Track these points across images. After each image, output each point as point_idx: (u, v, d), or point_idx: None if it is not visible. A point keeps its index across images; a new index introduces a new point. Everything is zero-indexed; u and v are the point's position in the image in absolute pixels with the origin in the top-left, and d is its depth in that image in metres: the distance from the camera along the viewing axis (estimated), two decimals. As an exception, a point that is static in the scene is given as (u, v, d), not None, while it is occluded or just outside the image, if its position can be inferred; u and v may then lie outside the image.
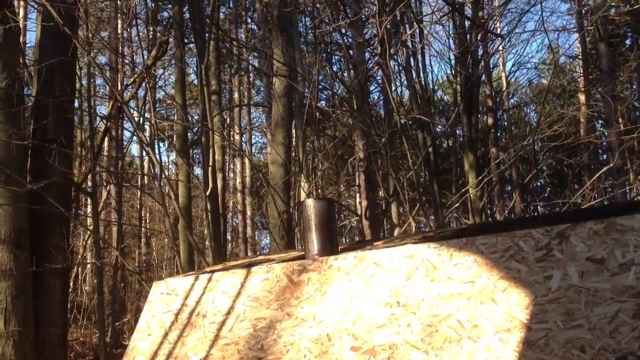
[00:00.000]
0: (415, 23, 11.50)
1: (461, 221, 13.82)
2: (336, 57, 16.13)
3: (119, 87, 14.11)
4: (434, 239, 3.50)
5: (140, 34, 16.75)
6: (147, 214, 24.27)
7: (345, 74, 14.23)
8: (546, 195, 24.94)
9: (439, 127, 14.93)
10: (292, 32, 10.40)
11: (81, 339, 15.62)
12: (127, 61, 17.47)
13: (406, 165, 12.30)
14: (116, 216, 17.50)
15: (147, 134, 17.07)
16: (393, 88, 10.55)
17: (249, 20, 19.26)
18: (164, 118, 21.48)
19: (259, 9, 13.37)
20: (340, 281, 3.36)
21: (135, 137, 17.27)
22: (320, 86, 13.31)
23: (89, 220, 14.76)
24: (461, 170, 15.15)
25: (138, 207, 22.27)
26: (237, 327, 3.50)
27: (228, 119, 21.33)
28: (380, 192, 13.90)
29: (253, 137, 25.17)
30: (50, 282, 7.59)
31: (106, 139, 15.54)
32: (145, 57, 12.32)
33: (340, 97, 13.82)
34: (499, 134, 19.72)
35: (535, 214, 18.09)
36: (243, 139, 22.80)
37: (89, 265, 17.92)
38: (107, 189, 17.77)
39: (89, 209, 18.54)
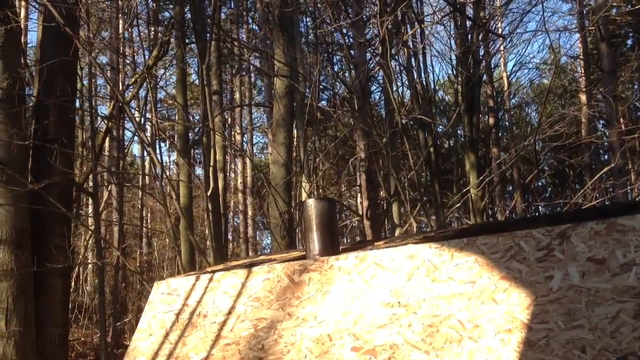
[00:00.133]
0: (416, 23, 11.50)
1: (462, 221, 13.83)
2: (337, 57, 16.15)
3: (120, 87, 14.13)
4: (435, 239, 3.50)
5: (142, 34, 16.80)
6: (149, 214, 24.30)
7: (347, 74, 14.23)
8: (547, 195, 24.93)
9: (440, 127, 14.93)
10: (293, 32, 10.40)
11: (82, 339, 15.63)
12: (128, 61, 17.50)
13: (407, 165, 12.30)
14: (117, 216, 17.52)
15: (148, 134, 17.09)
16: (394, 88, 10.55)
17: (250, 21, 19.29)
18: (165, 118, 21.49)
19: (259, 9, 13.36)
20: (341, 281, 3.36)
21: (136, 137, 17.30)
22: (321, 86, 13.32)
23: (90, 220, 14.77)
24: (462, 171, 15.15)
25: (139, 207, 22.30)
26: (238, 327, 3.50)
27: (229, 119, 21.35)
28: (382, 192, 13.90)
29: (254, 137, 25.21)
30: (51, 282, 7.60)
31: (107, 139, 15.56)
32: (147, 57, 12.33)
33: (342, 97, 13.82)
34: (500, 134, 19.71)
35: (536, 214, 18.09)
36: (244, 139, 22.83)
37: (90, 265, 17.94)
38: (109, 189, 17.78)
39: (90, 209, 18.56)
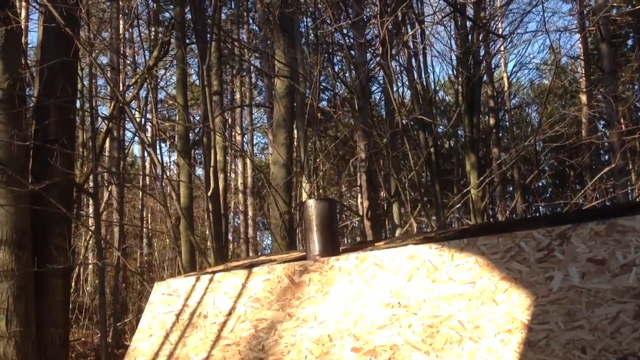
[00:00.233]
0: (416, 24, 11.50)
1: (463, 222, 13.82)
2: (338, 57, 16.15)
3: (121, 88, 14.12)
4: (435, 240, 3.50)
5: (142, 34, 16.80)
6: (149, 215, 24.31)
7: (347, 75, 14.23)
8: (548, 195, 24.93)
9: (441, 127, 14.92)
10: (293, 33, 10.41)
11: (83, 339, 15.63)
12: (128, 62, 17.50)
13: (408, 165, 12.30)
14: (118, 217, 17.52)
15: (148, 134, 17.09)
16: (394, 88, 10.55)
17: (251, 21, 19.29)
18: (165, 119, 21.48)
19: (260, 9, 13.37)
20: (342, 282, 3.36)
21: (136, 138, 17.31)
22: (321, 87, 13.31)
23: (91, 221, 14.77)
24: (463, 171, 15.15)
25: (140, 207, 22.31)
26: (238, 327, 3.50)
27: (229, 120, 21.35)
28: (382, 193, 13.90)
29: (254, 137, 25.22)
30: (51, 282, 7.60)
31: (108, 140, 15.56)
32: (147, 57, 12.33)
33: (342, 98, 13.83)
34: (500, 135, 19.71)
35: (537, 215, 18.09)
36: (244, 139, 22.83)
37: (90, 266, 17.94)
38: (109, 189, 17.78)
39: (90, 210, 18.55)
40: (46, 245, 7.56)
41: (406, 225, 10.98)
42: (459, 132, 16.18)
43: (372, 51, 12.00)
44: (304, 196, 9.99)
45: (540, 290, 2.77)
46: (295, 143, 11.42)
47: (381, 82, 14.86)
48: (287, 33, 10.12)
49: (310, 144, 11.13)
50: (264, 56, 15.10)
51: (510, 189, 23.50)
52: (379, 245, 4.01)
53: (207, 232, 11.00)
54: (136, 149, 28.70)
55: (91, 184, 10.80)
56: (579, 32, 16.08)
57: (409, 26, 12.21)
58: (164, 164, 19.55)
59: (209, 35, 10.00)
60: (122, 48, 17.44)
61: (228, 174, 20.29)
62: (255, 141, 25.57)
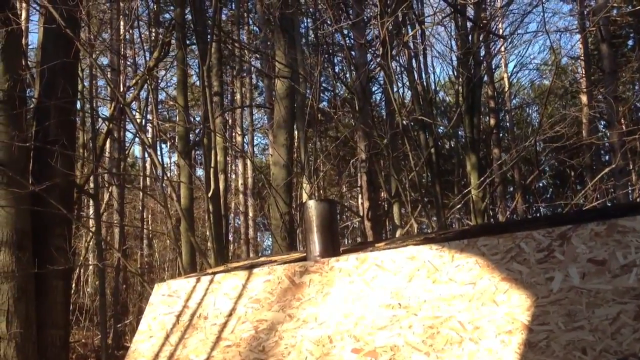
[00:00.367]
0: (417, 24, 11.50)
1: (463, 222, 13.82)
2: (338, 58, 16.14)
3: (121, 89, 14.14)
4: (435, 241, 3.50)
5: (142, 35, 16.80)
6: (149, 216, 24.31)
7: (347, 75, 14.23)
8: (548, 196, 24.93)
9: (441, 128, 14.92)
10: (293, 34, 10.41)
11: (83, 340, 15.64)
12: (129, 63, 17.51)
13: (408, 166, 12.29)
14: (118, 218, 17.54)
15: (149, 135, 17.08)
16: (395, 89, 10.55)
17: (251, 22, 19.30)
18: (166, 119, 21.50)
19: (260, 10, 13.38)
20: (342, 283, 3.36)
21: (137, 139, 17.32)
22: (322, 87, 13.31)
23: (91, 222, 14.78)
24: (463, 171, 15.14)
25: (140, 208, 22.31)
26: (239, 328, 3.50)
27: (230, 121, 21.35)
28: (382, 193, 13.89)
29: (255, 138, 25.23)
30: (52, 283, 7.60)
31: (108, 141, 15.57)
32: (147, 58, 12.34)
33: (342, 98, 13.82)
34: (501, 135, 19.70)
35: (537, 215, 18.09)
36: (245, 140, 22.83)
37: (91, 267, 17.94)
38: (109, 190, 17.81)
39: (91, 211, 18.56)
40: (46, 247, 7.56)
41: (407, 226, 10.98)
42: (460, 132, 16.17)
43: (372, 52, 12.00)
44: (305, 197, 10.00)
45: (540, 290, 2.77)
46: (295, 144, 11.42)
47: (381, 82, 14.85)
48: (288, 34, 10.13)
49: (311, 144, 11.13)
50: (264, 57, 15.10)
51: (511, 189, 23.50)
52: (379, 246, 4.01)
53: (208, 233, 11.01)
54: (137, 150, 28.72)
55: (92, 185, 10.82)
56: (580, 32, 16.08)
57: (409, 27, 12.20)
58: (165, 165, 19.58)
59: (209, 36, 10.01)
60: (122, 49, 17.46)
61: (228, 175, 20.29)
62: (255, 142, 25.60)
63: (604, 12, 11.80)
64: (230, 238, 22.67)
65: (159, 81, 17.28)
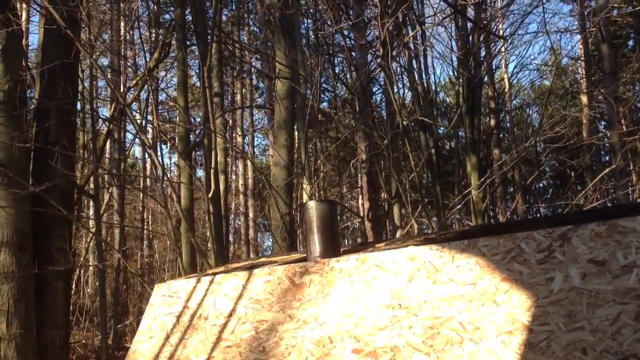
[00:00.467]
0: (417, 25, 11.50)
1: (463, 223, 13.81)
2: (338, 59, 16.14)
3: (121, 90, 14.14)
4: (435, 241, 3.50)
5: (143, 36, 16.81)
6: (149, 216, 24.32)
7: (348, 76, 14.24)
8: (548, 196, 24.92)
9: (441, 128, 14.92)
10: (294, 34, 10.41)
11: (83, 341, 15.64)
12: (129, 63, 17.52)
13: (408, 166, 12.29)
14: (118, 218, 17.54)
15: (149, 136, 17.08)
16: (395, 90, 10.55)
17: (251, 23, 19.30)
18: (166, 120, 21.50)
19: (260, 11, 13.38)
20: (342, 283, 3.36)
21: (137, 140, 17.32)
22: (322, 88, 13.31)
23: (91, 223, 14.78)
24: (463, 172, 15.14)
25: (140, 209, 22.32)
26: (239, 329, 3.50)
27: (230, 121, 21.36)
28: (383, 194, 13.89)
29: (255, 139, 25.24)
30: (52, 284, 7.60)
31: (108, 142, 15.58)
32: (148, 59, 12.34)
33: (343, 99, 13.83)
34: (501, 136, 19.70)
35: (537, 216, 18.08)
36: (245, 141, 22.85)
37: (91, 268, 17.95)
38: (110, 191, 17.82)
39: (91, 211, 18.55)
40: (47, 247, 7.56)
41: (407, 227, 10.97)
42: (460, 133, 16.17)
43: (372, 52, 12.00)
44: (305, 197, 9.99)
45: (540, 291, 2.77)
46: (296, 144, 11.42)
47: (382, 83, 14.86)
48: (288, 34, 10.13)
49: (311, 145, 11.14)
50: (264, 58, 15.10)
51: (511, 190, 23.49)
52: (379, 247, 4.00)
53: (208, 234, 11.00)
54: (137, 151, 28.72)
55: (92, 185, 10.81)
56: (580, 33, 16.09)
57: (409, 27, 12.21)
58: (165, 166, 19.57)
59: (209, 37, 10.01)
60: (122, 50, 17.46)
61: (229, 176, 20.31)
62: (256, 143, 25.61)
63: (605, 12, 11.80)
64: (231, 239, 22.68)
65: (159, 82, 17.30)
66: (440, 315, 2.94)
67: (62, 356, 7.65)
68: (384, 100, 15.03)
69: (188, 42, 12.80)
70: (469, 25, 12.62)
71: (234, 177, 24.79)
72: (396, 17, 9.52)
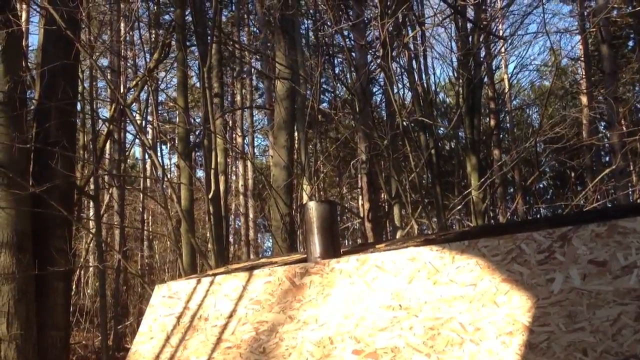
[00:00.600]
0: (417, 25, 11.51)
1: (463, 223, 13.81)
2: (338, 59, 16.16)
3: (121, 90, 14.14)
4: (436, 242, 3.50)
5: (143, 37, 16.81)
6: (150, 217, 24.32)
7: (347, 76, 14.24)
8: (548, 197, 24.93)
9: (441, 129, 14.92)
10: (294, 35, 10.41)
11: (83, 342, 15.64)
12: (129, 64, 17.53)
13: (408, 167, 12.29)
14: (118, 219, 17.54)
15: (149, 136, 17.09)
16: (395, 90, 10.55)
17: (251, 23, 19.31)
18: (166, 121, 21.50)
19: (260, 11, 13.38)
20: (343, 284, 3.36)
21: (137, 140, 17.31)
22: (322, 88, 13.31)
23: (92, 223, 14.78)
24: (463, 172, 15.14)
25: (140, 209, 22.32)
26: (239, 330, 3.50)
27: (230, 122, 21.37)
28: (383, 195, 13.89)
29: (255, 139, 25.26)
30: (52, 285, 7.60)
31: (108, 142, 15.58)
32: (148, 60, 12.34)
33: (343, 100, 13.83)
34: (501, 136, 19.70)
35: (538, 216, 18.07)
36: (245, 141, 22.85)
37: (91, 268, 17.94)
38: (110, 191, 17.81)
39: (91, 212, 18.55)
40: (47, 248, 7.56)
41: (407, 227, 10.97)
42: (460, 133, 16.18)
43: (372, 53, 12.01)
44: (305, 198, 9.99)
45: (541, 292, 2.77)
46: (296, 145, 11.42)
47: (382, 83, 14.87)
48: (288, 35, 10.13)
49: (311, 146, 11.14)
50: (264, 58, 15.11)
51: (511, 190, 23.50)
52: (379, 247, 4.00)
53: (208, 235, 10.99)
54: (137, 152, 28.75)
55: (92, 186, 10.81)
56: (580, 33, 16.10)
57: (409, 28, 12.22)
58: (165, 167, 19.55)
59: (209, 38, 10.01)
60: (122, 50, 17.47)
61: (229, 176, 20.31)
62: (256, 143, 25.63)
63: (604, 13, 11.80)
64: (231, 239, 22.68)
65: (159, 82, 17.29)
66: (440, 316, 2.94)
67: (63, 357, 7.65)
68: (384, 100, 15.05)
69: (188, 43, 12.80)
70: (469, 25, 12.62)
71: (234, 177, 24.80)
72: (396, 18, 9.52)
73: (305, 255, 3.92)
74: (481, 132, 14.56)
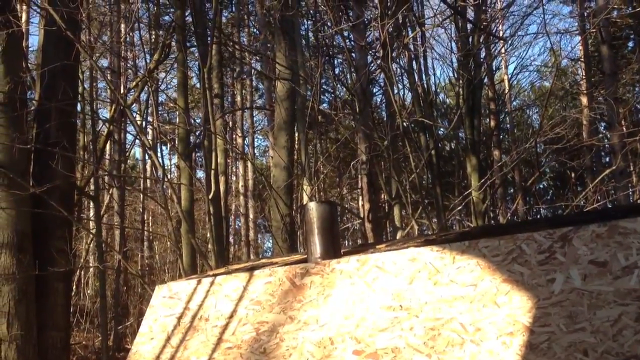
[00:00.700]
0: (417, 26, 11.50)
1: (464, 224, 13.81)
2: (338, 60, 16.16)
3: (122, 91, 14.14)
4: (436, 242, 3.50)
5: (143, 37, 16.81)
6: (150, 217, 24.32)
7: (348, 77, 14.24)
8: (549, 197, 24.93)
9: (442, 129, 14.92)
10: (294, 36, 10.41)
11: (84, 342, 15.63)
12: (129, 65, 17.53)
13: (408, 167, 12.29)
14: (119, 219, 17.54)
15: (149, 137, 17.10)
16: (395, 91, 10.56)
17: (251, 24, 19.32)
18: (166, 121, 21.51)
19: (260, 12, 13.39)
20: (343, 284, 3.36)
21: (137, 141, 17.31)
22: (322, 89, 13.31)
23: (92, 224, 14.78)
24: (464, 173, 15.15)
25: (140, 210, 22.31)
26: (240, 330, 3.49)
27: (230, 122, 21.38)
28: (383, 195, 13.89)
29: (255, 140, 25.27)
30: (53, 285, 7.60)
31: (109, 143, 15.57)
32: (148, 60, 12.34)
33: (343, 100, 13.83)
34: (501, 137, 19.71)
35: (538, 217, 18.07)
36: (245, 142, 22.86)
37: (91, 269, 17.95)
38: (110, 192, 17.81)
39: (91, 213, 18.55)
40: (47, 248, 7.57)
41: (407, 228, 10.98)
42: (460, 134, 16.18)
43: (372, 54, 12.02)
44: (305, 199, 9.99)
45: (541, 292, 2.77)
46: (296, 146, 11.41)
47: (382, 84, 14.88)
48: (288, 36, 10.13)
49: (311, 146, 11.15)
50: (264, 59, 15.11)
51: (511, 191, 23.50)
52: (380, 248, 4.00)
53: (208, 235, 11.00)
54: (137, 152, 28.74)
55: (92, 186, 10.82)
56: (580, 34, 16.10)
57: (409, 29, 12.22)
58: (165, 167, 19.55)
59: (209, 38, 10.02)
60: (122, 51, 17.47)
61: (229, 177, 20.31)
62: (256, 144, 25.65)
63: (605, 13, 11.80)
64: (231, 240, 22.68)
65: (160, 83, 17.29)
66: (441, 317, 2.94)
67: (63, 357, 7.65)
68: (384, 101, 15.05)
69: (188, 44, 12.80)
70: (469, 26, 12.62)
71: (234, 178, 24.81)
72: (396, 19, 9.52)
73: (306, 256, 3.91)
74: (481, 132, 14.56)
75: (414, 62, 12.18)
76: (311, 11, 14.44)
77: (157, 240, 22.02)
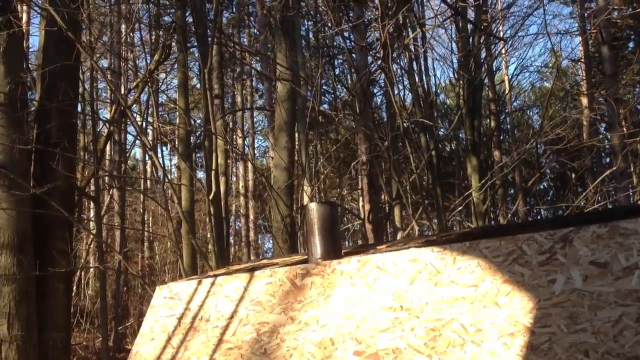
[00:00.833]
0: (417, 27, 11.51)
1: (464, 225, 13.81)
2: (339, 60, 16.16)
3: (122, 92, 14.14)
4: (437, 243, 3.50)
5: (143, 38, 16.81)
6: (150, 218, 24.31)
7: (348, 78, 14.25)
8: (549, 198, 24.90)
9: (442, 130, 14.92)
10: (294, 36, 10.41)
11: (84, 343, 15.63)
12: (129, 65, 17.53)
13: (409, 168, 12.29)
14: (119, 220, 17.53)
15: (150, 138, 17.11)
16: (396, 92, 10.56)
17: (252, 25, 19.32)
18: (166, 122, 21.51)
19: (261, 13, 13.39)
20: (344, 285, 3.36)
21: (138, 141, 17.31)
22: (322, 90, 13.31)
23: (92, 224, 14.79)
24: (464, 174, 15.15)
25: (141, 211, 22.30)
26: (240, 331, 3.49)
27: (231, 123, 21.38)
28: (383, 196, 13.89)
29: (256, 141, 25.27)
30: (53, 286, 7.61)
31: (109, 143, 15.58)
32: (148, 61, 12.35)
33: (343, 101, 13.83)
34: (501, 137, 19.70)
35: (539, 218, 18.06)
36: (246, 142, 22.86)
37: (92, 269, 17.94)
38: (110, 193, 17.80)
39: (92, 213, 18.56)
40: (48, 249, 7.57)
41: (408, 228, 10.97)
42: (460, 135, 16.18)
43: (373, 54, 12.00)
44: (306, 199, 10.00)
45: (542, 293, 2.77)
46: (296, 146, 11.42)
47: (382, 85, 14.88)
48: (288, 36, 10.13)
49: (312, 147, 11.14)
50: (265, 60, 15.12)
51: (512, 191, 23.49)
52: (380, 249, 4.00)
53: (209, 236, 11.00)
54: (137, 153, 28.73)
55: (92, 187, 10.82)
56: (580, 34, 16.10)
57: (410, 29, 12.22)
58: (165, 168, 19.57)
59: (210, 39, 10.02)
60: (123, 52, 17.48)
61: (229, 178, 20.30)
62: (256, 144, 25.64)
63: (605, 14, 11.80)
64: (231, 240, 22.68)
65: (160, 84, 17.28)
66: (441, 317, 2.94)
67: (63, 358, 7.66)
68: (384, 102, 15.05)
69: (188, 44, 12.79)
70: (470, 27, 12.63)
71: (234, 179, 24.80)
72: (396, 19, 9.52)
73: (306, 257, 3.92)
74: (482, 133, 14.56)
75: (414, 63, 12.18)
76: (312, 12, 14.43)
77: (157, 240, 22.01)
